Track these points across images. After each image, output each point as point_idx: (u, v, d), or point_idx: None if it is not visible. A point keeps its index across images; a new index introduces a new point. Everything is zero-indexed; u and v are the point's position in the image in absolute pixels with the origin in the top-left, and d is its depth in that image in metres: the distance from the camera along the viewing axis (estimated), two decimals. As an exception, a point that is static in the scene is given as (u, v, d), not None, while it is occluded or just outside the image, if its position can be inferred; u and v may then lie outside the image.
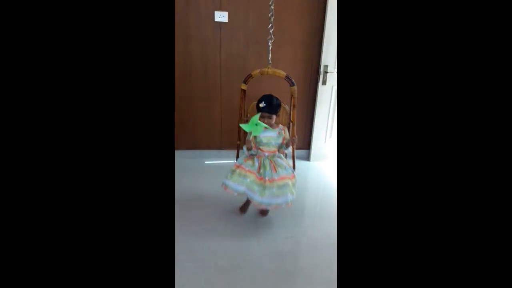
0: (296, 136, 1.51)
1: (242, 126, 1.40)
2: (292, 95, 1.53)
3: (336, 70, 2.21)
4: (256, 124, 1.35)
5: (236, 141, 1.66)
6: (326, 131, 2.41)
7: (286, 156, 1.66)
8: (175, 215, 1.59)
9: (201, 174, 2.17)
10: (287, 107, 1.72)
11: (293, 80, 1.50)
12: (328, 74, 2.20)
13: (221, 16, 2.05)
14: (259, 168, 1.43)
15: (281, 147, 1.53)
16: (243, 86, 1.52)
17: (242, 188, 1.41)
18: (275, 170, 1.42)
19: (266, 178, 1.39)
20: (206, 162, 2.36)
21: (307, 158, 2.48)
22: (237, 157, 1.65)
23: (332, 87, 2.26)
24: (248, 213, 1.65)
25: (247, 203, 1.62)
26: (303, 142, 2.48)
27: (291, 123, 1.64)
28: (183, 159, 2.32)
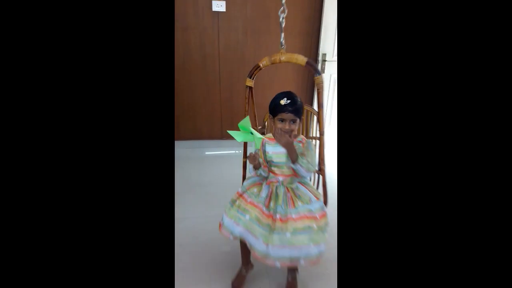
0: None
1: (231, 132, 0.96)
2: (318, 89, 1.03)
3: (334, 58, 2.21)
4: (251, 133, 0.93)
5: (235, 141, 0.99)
6: (325, 119, 2.43)
7: (312, 180, 1.16)
8: (175, 211, 1.64)
9: (202, 164, 2.22)
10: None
11: (317, 67, 1.08)
12: (326, 63, 2.20)
13: (219, 6, 2.04)
14: (269, 199, 0.96)
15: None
16: (249, 82, 1.06)
17: (238, 229, 0.94)
18: (293, 204, 0.94)
19: (278, 216, 0.90)
20: (206, 152, 2.40)
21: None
22: (243, 179, 1.16)
23: (331, 75, 2.27)
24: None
25: (240, 275, 1.10)
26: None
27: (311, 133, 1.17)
28: (184, 149, 2.35)
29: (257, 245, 0.90)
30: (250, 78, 1.07)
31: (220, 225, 1.00)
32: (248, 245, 0.95)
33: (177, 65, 2.16)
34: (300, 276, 1.14)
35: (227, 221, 0.98)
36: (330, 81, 2.29)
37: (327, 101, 2.37)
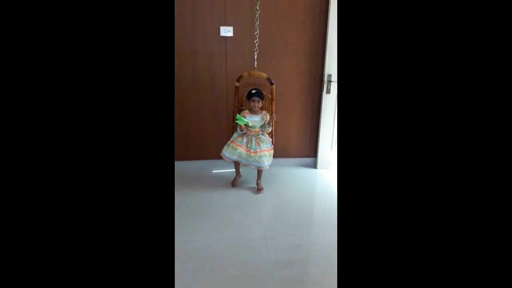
0: (275, 115, 2.07)
1: (238, 121, 1.99)
2: (272, 92, 2.09)
3: (339, 79, 2.25)
4: (239, 119, 1.98)
5: (232, 122, 2.23)
6: (332, 139, 2.43)
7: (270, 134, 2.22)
8: (180, 223, 1.62)
9: (208, 182, 2.21)
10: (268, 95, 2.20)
11: (272, 80, 2.05)
12: (331, 83, 2.23)
13: (226, 31, 2.13)
14: (247, 143, 2.00)
15: (263, 127, 2.05)
16: (236, 84, 2.09)
17: (234, 157, 1.99)
18: (259, 144, 2.00)
19: (252, 151, 1.98)
20: (214, 171, 2.40)
21: (314, 165, 2.50)
22: (232, 134, 2.18)
23: (336, 95, 2.29)
24: (256, 221, 1.68)
25: (236, 178, 2.20)
26: (310, 150, 2.51)
27: (270, 114, 2.13)
28: (192, 169, 2.37)
29: (243, 162, 2.01)
30: (237, 81, 2.09)
31: (222, 156, 2.02)
32: (239, 162, 2.04)
33: (186, 87, 2.23)
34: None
35: (226, 153, 2.00)
36: (336, 101, 2.31)
37: (334, 120, 2.37)
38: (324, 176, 2.38)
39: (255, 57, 2.03)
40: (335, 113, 2.35)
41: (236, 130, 2.13)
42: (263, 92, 2.03)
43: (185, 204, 1.88)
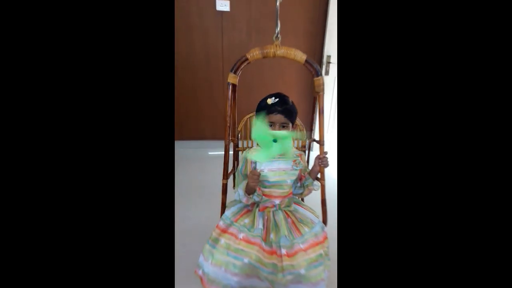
0: (327, 156, 0.82)
1: (250, 155, 0.79)
2: (317, 92, 0.88)
3: (339, 60, 2.20)
4: (275, 140, 0.71)
5: (222, 179, 0.93)
6: (329, 122, 2.41)
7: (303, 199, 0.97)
8: (177, 206, 1.62)
9: (205, 165, 2.20)
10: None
11: (318, 67, 0.86)
12: (331, 65, 2.18)
13: (223, 5, 2.03)
14: (267, 231, 0.77)
15: (300, 185, 0.88)
16: (232, 79, 0.86)
17: (235, 280, 0.71)
18: (299, 231, 0.77)
19: (284, 251, 0.72)
20: (210, 152, 2.38)
21: (310, 148, 2.50)
22: (223, 210, 0.92)
23: (335, 78, 2.25)
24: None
25: None
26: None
27: (311, 143, 1.05)
28: (187, 149, 2.34)
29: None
30: (234, 73, 0.84)
31: (201, 279, 0.74)
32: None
33: (181, 65, 2.14)
34: None
35: (212, 270, 0.71)
36: (334, 84, 2.27)
37: (332, 103, 2.34)
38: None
39: (278, 12, 0.83)
40: (332, 96, 2.32)
41: (235, 191, 0.88)
42: (293, 103, 0.85)
43: (180, 182, 1.87)
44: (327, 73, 2.21)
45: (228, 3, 2.02)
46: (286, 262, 0.70)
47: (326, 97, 2.30)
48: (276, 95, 0.82)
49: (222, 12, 2.05)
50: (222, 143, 2.55)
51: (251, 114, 1.01)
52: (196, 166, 2.14)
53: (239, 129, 1.04)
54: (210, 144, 2.41)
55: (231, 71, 0.85)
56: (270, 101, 0.78)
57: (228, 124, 0.90)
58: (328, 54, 2.16)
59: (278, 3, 0.82)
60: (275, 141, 0.70)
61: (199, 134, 2.39)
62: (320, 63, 2.23)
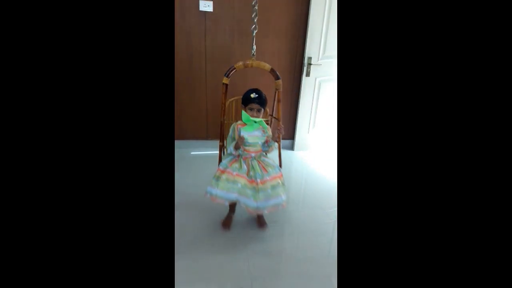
0: (282, 126, 1.35)
1: (240, 127, 1.35)
2: (277, 89, 1.44)
3: (319, 62, 2.26)
4: (255, 122, 1.32)
5: (218, 141, 1.52)
6: (310, 121, 2.48)
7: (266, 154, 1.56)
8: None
9: (187, 165, 2.19)
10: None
11: (278, 73, 1.42)
12: (311, 66, 2.25)
13: (206, 6, 2.04)
14: (248, 170, 1.33)
15: (266, 145, 1.41)
16: (225, 80, 1.39)
17: (233, 195, 1.29)
18: (266, 170, 1.34)
19: (258, 180, 1.30)
20: (192, 152, 2.37)
21: (291, 147, 2.56)
22: (220, 160, 1.50)
23: (316, 78, 2.32)
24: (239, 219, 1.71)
25: (230, 216, 1.53)
26: (288, 132, 2.55)
27: (273, 119, 1.61)
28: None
29: (250, 203, 1.29)
30: (227, 77, 1.40)
31: (212, 197, 1.32)
32: (242, 204, 1.32)
33: (163, 64, 2.13)
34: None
35: (219, 192, 1.31)
36: (315, 84, 2.34)
37: (312, 103, 2.41)
38: (300, 158, 2.44)
39: (254, 40, 1.39)
40: (313, 96, 2.39)
41: (225, 150, 1.53)
42: (265, 96, 1.36)
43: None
44: (308, 74, 2.27)
45: (211, 3, 2.03)
46: (260, 186, 1.30)
47: (307, 97, 2.37)
48: (255, 90, 1.34)
49: (205, 13, 2.06)
50: (204, 143, 2.53)
51: (236, 97, 1.65)
52: (179, 166, 2.13)
53: (226, 105, 1.57)
54: (192, 144, 2.41)
55: (225, 75, 1.40)
56: (252, 95, 1.32)
57: (223, 108, 1.48)
58: (309, 56, 2.22)
59: (254, 34, 1.40)
60: (255, 122, 1.33)
61: (181, 134, 2.38)
62: (302, 64, 2.29)
